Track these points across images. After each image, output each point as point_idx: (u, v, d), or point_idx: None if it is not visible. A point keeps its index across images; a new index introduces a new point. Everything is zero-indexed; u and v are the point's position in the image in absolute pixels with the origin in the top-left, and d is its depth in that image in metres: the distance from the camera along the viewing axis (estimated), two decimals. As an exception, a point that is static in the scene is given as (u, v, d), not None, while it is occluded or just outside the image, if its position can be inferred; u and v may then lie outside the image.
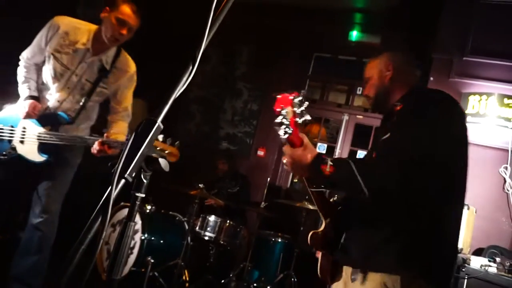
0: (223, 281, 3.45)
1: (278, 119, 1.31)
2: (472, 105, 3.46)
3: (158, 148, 1.86)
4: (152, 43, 4.86)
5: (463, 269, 2.43)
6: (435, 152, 1.25)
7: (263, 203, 3.66)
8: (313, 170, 1.29)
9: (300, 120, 1.32)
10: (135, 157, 0.67)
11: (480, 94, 3.45)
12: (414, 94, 1.47)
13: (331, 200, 1.56)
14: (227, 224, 3.56)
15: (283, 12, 4.92)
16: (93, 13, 2.25)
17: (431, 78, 3.77)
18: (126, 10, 2.12)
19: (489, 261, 2.66)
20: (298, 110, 1.32)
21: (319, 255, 1.58)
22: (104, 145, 2.03)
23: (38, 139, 2.17)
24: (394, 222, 1.27)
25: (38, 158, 2.18)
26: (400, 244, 1.25)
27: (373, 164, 1.33)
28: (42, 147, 2.18)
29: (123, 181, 0.66)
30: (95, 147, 2.04)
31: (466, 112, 3.49)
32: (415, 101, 1.41)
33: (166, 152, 1.88)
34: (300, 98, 1.34)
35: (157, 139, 1.86)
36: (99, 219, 0.62)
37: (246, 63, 5.37)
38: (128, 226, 0.71)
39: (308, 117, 1.33)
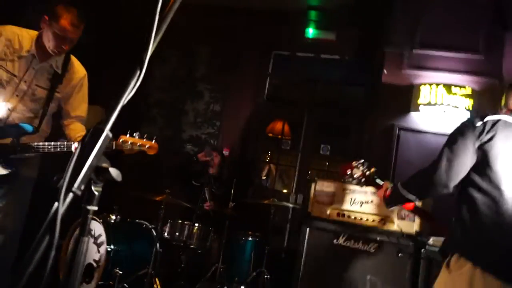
0: (196, 285, 3.40)
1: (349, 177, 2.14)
2: (424, 95, 3.64)
3: (138, 144, 2.06)
4: (108, 48, 4.70)
5: (423, 250, 2.54)
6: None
7: (231, 203, 3.64)
8: (383, 199, 1.94)
9: (367, 173, 2.08)
10: (82, 169, 0.64)
11: (430, 84, 3.63)
12: None
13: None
14: (196, 227, 3.52)
15: (240, 12, 4.92)
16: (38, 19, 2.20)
17: (385, 71, 3.92)
18: (65, 24, 2.07)
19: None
20: (364, 168, 2.09)
21: None
22: None
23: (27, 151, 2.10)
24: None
25: (2, 171, 2.11)
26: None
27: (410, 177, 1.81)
28: (3, 160, 2.10)
29: (71, 195, 0.63)
30: None
31: (419, 102, 3.66)
32: None
33: (147, 147, 2.08)
34: (362, 161, 2.11)
35: (133, 136, 2.07)
36: (47, 239, 0.59)
37: (206, 64, 5.32)
38: (81, 242, 0.67)
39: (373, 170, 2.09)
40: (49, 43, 2.11)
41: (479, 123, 1.62)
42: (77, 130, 2.30)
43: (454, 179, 1.61)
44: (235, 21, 5.01)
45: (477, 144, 1.59)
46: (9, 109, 2.14)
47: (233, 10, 4.91)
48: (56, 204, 0.61)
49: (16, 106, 2.16)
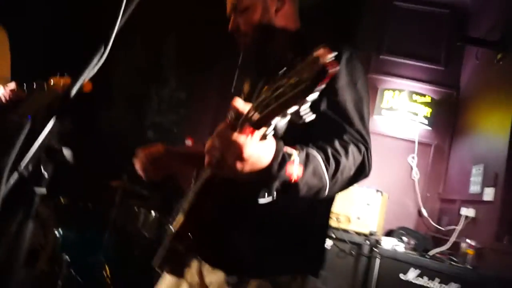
0: (149, 274, 3.32)
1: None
2: (387, 100, 3.76)
3: (52, 83, 2.05)
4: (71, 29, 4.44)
5: (376, 249, 2.64)
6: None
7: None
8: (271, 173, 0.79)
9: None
10: (31, 148, 0.59)
11: (394, 90, 3.76)
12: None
13: None
14: (152, 215, 3.44)
15: (210, 1, 4.82)
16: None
17: (352, 74, 4.00)
18: None
19: (398, 241, 2.94)
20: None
21: None
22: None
23: None
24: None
25: None
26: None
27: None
28: None
29: (16, 175, 0.57)
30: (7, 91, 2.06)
31: (382, 106, 3.78)
32: None
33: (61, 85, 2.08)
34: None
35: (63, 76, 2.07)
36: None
37: (173, 51, 5.18)
38: (25, 225, 0.62)
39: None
40: None
41: None
42: None
43: None
44: (205, 11, 4.91)
45: None
46: None
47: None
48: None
49: None
